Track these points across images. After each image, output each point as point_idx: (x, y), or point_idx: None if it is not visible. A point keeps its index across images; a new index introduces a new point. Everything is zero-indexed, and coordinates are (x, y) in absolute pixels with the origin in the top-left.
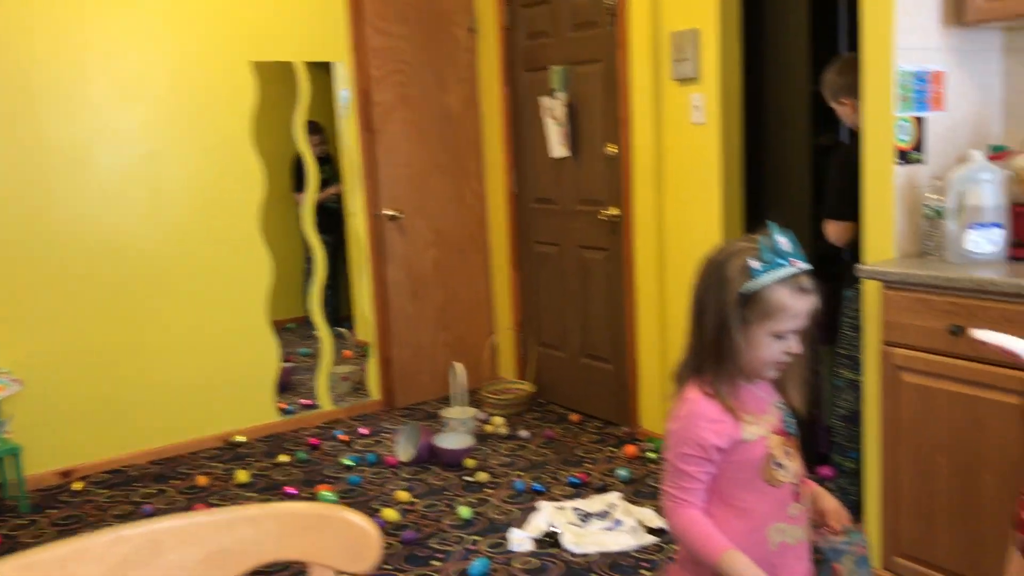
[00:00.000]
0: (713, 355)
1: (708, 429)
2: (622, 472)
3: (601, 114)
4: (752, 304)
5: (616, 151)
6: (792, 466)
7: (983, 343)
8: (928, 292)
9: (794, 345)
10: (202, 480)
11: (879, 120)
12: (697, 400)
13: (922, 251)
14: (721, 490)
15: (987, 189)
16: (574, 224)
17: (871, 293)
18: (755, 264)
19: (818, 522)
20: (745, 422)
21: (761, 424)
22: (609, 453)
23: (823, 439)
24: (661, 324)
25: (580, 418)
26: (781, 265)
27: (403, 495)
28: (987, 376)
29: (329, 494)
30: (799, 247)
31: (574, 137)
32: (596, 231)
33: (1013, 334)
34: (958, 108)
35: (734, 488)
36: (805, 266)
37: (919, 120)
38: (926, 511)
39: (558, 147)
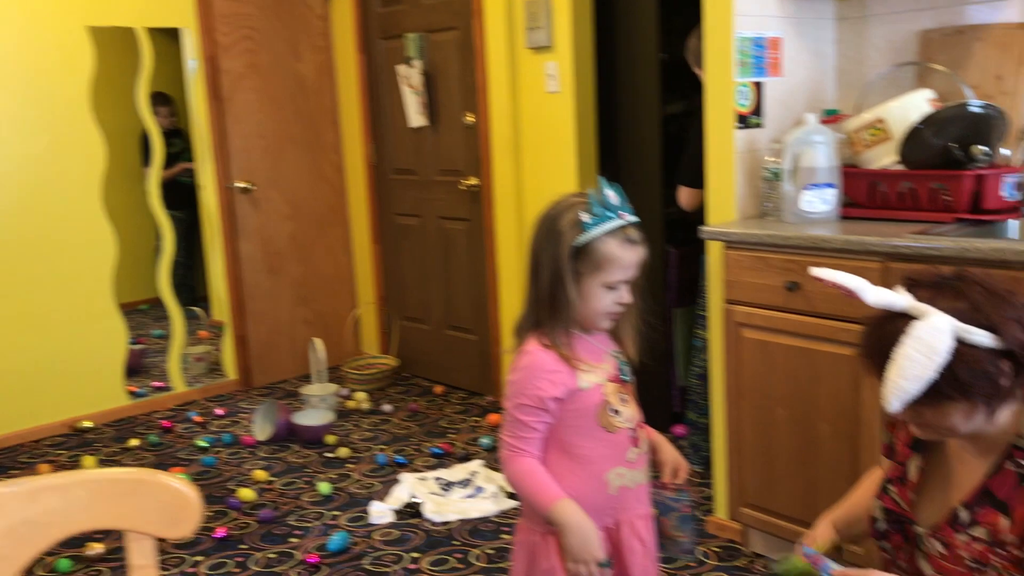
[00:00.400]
0: (549, 307)
1: (545, 380)
2: (485, 440)
3: (458, 83)
4: (584, 256)
5: (474, 120)
6: (628, 412)
7: (820, 280)
8: (766, 251)
9: (626, 295)
10: (44, 468)
11: (720, 85)
12: (535, 352)
13: (762, 212)
14: (560, 438)
15: (820, 151)
16: (435, 195)
17: (714, 253)
18: (585, 217)
19: (656, 473)
20: (581, 371)
21: (597, 373)
22: (473, 423)
23: (677, 399)
24: (522, 293)
25: (444, 390)
26: (610, 218)
27: (261, 474)
28: (822, 330)
29: (182, 476)
30: (627, 200)
31: (432, 106)
32: (457, 201)
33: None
34: (794, 73)
35: (573, 436)
36: (633, 219)
37: (758, 85)
38: (767, 462)
39: (416, 116)
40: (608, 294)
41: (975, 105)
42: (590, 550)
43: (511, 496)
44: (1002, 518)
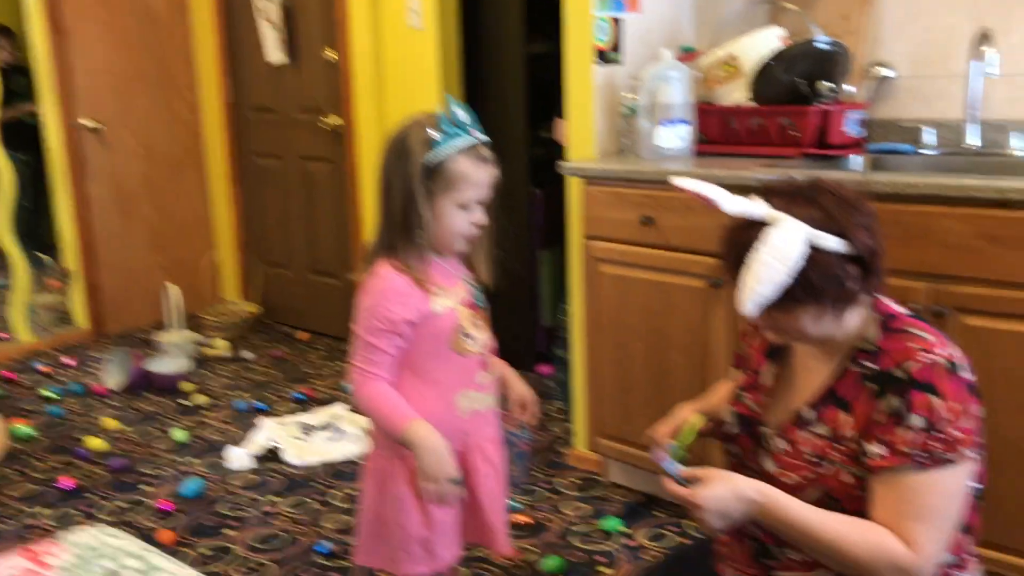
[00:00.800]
0: (402, 230)
1: (397, 303)
2: (350, 385)
3: (318, 17)
4: (436, 175)
5: (335, 57)
6: (480, 337)
7: (682, 189)
8: (623, 186)
9: (479, 216)
10: None
11: (579, 20)
12: (387, 275)
13: (620, 148)
14: (413, 362)
15: (675, 87)
16: (296, 134)
17: (574, 190)
18: (435, 135)
19: (505, 406)
20: (434, 295)
21: (451, 297)
22: (338, 368)
23: (542, 339)
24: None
25: (309, 336)
26: (460, 135)
27: (112, 423)
28: (675, 263)
29: (24, 427)
30: (477, 119)
31: (291, 41)
32: (319, 141)
33: (694, 222)
34: (652, 10)
35: (425, 359)
36: (483, 137)
37: (616, 21)
38: (624, 393)
39: (275, 52)
40: (461, 214)
41: (822, 42)
42: (444, 468)
43: None
44: (843, 415)
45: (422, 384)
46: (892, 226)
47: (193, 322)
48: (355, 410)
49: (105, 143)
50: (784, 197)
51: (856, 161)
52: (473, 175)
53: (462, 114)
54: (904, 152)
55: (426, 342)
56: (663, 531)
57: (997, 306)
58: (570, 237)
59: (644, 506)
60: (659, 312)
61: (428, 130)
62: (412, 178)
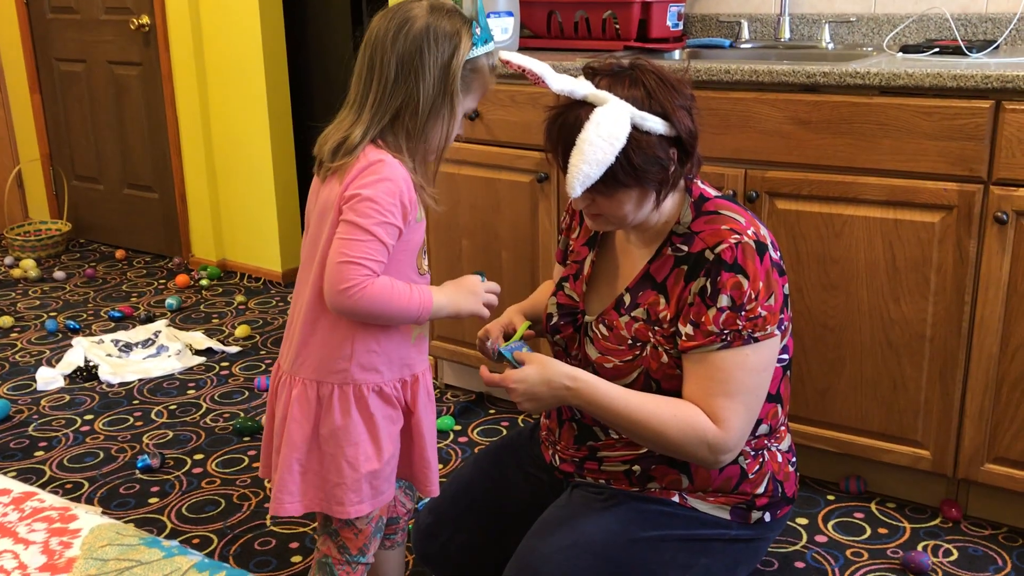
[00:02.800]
0: (413, 122)
1: (407, 197)
2: (171, 301)
3: None
4: (468, 75)
5: None
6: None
7: (508, 64)
8: None
9: (461, 129)
10: None
11: None
12: (393, 164)
13: None
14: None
15: None
16: (102, 36)
17: None
18: (477, 30)
19: None
20: (419, 200)
21: (421, 208)
22: (159, 286)
23: None
24: (207, 144)
25: (126, 254)
26: (487, 37)
27: None
28: (503, 158)
29: None
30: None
31: None
32: (127, 43)
33: (519, 116)
34: None
35: (395, 274)
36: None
37: None
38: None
39: None
40: (461, 123)
41: None
42: (477, 292)
43: (199, 353)
44: (660, 298)
45: None
46: (710, 115)
47: None
48: (176, 326)
49: None
50: (608, 77)
51: (676, 56)
52: (489, 84)
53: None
54: (722, 46)
55: (401, 253)
56: (496, 427)
57: (803, 188)
58: None
59: (476, 404)
60: (487, 209)
61: (461, 21)
62: (454, 68)
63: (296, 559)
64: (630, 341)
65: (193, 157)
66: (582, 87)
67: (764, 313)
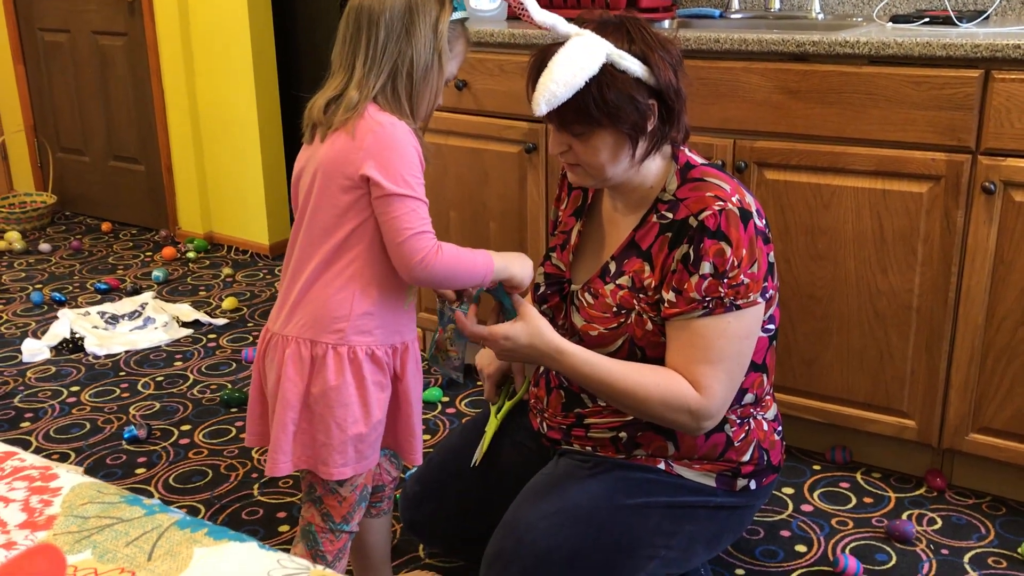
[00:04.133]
0: (411, 84)
1: (420, 155)
2: (158, 274)
3: None
4: (452, 37)
5: None
6: None
7: None
8: None
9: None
10: None
11: None
12: (400, 125)
13: None
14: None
15: None
16: (85, 6)
17: None
18: None
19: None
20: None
21: None
22: (145, 258)
23: None
24: (193, 115)
25: (112, 227)
26: (462, 8)
27: None
28: (491, 128)
29: None
30: None
31: None
32: (112, 13)
33: (508, 85)
34: None
35: None
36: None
37: None
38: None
39: None
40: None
41: None
42: (529, 268)
43: (185, 325)
44: (646, 266)
45: (389, 271)
46: (699, 84)
47: None
48: (163, 298)
49: None
50: (594, 24)
51: (666, 24)
52: (466, 51)
53: None
54: (712, 15)
55: None
56: (483, 399)
57: (792, 159)
58: None
59: (464, 375)
60: (475, 180)
61: None
62: (442, 31)
63: (283, 528)
64: (615, 309)
65: (179, 129)
66: (564, 24)
67: (747, 280)
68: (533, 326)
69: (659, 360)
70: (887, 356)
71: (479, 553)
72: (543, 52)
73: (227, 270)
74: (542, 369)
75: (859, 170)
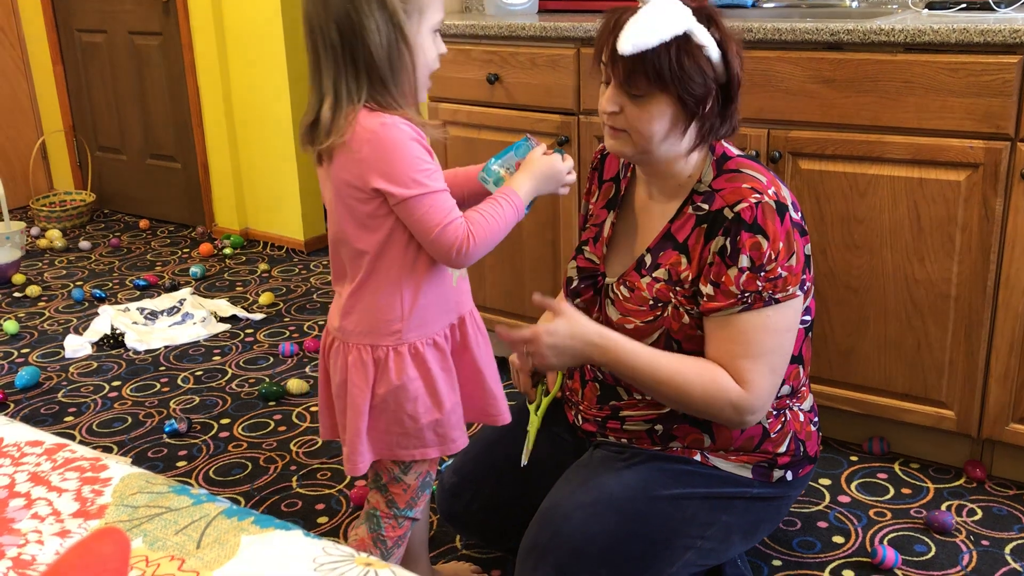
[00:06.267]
0: (388, 74)
1: (424, 142)
2: (195, 270)
3: None
4: None
5: None
6: None
7: None
8: (467, 43)
9: (443, 45)
10: None
11: None
12: (391, 123)
13: (463, 7)
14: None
15: None
16: (122, 7)
17: None
18: None
19: None
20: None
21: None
22: (183, 255)
23: None
24: (228, 113)
25: (150, 224)
26: None
27: None
28: (523, 123)
29: None
30: None
31: None
32: (147, 14)
33: (539, 79)
34: None
35: None
36: None
37: None
38: (478, 263)
39: None
40: (434, 43)
41: None
42: (557, 175)
43: (223, 320)
44: (682, 258)
45: (430, 260)
46: None
47: (23, 214)
48: (200, 294)
49: None
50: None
51: None
52: None
53: None
54: (744, 5)
55: None
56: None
57: (827, 148)
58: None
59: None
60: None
61: None
62: (394, 7)
63: (322, 520)
64: (651, 302)
65: (215, 126)
66: None
67: (784, 274)
68: (573, 320)
69: (695, 353)
70: (925, 346)
71: (516, 544)
72: (619, 10)
73: (263, 266)
74: None
75: (895, 159)
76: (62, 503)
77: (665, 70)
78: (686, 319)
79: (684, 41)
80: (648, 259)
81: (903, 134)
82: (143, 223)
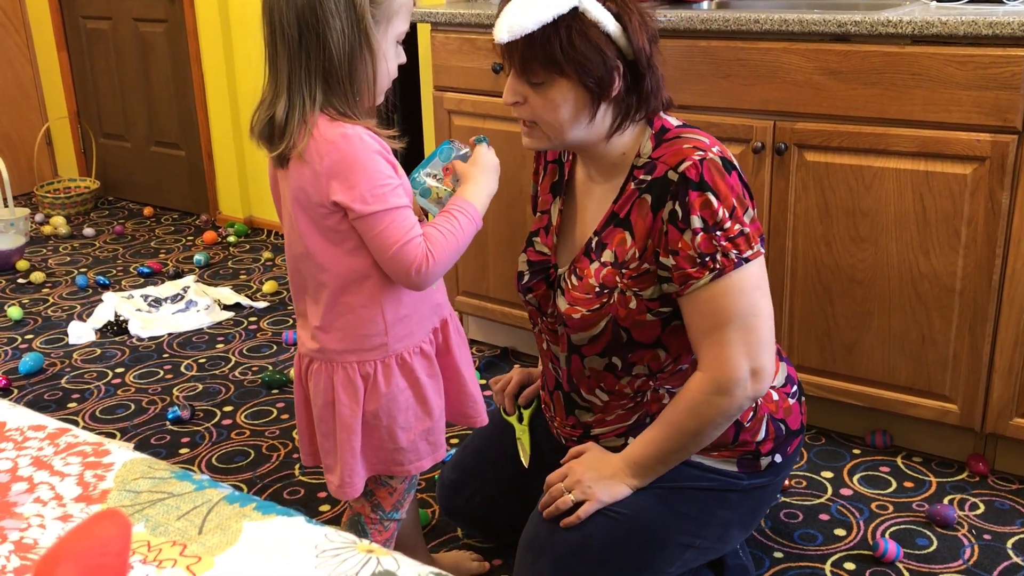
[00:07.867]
0: (348, 81)
1: (386, 155)
2: (199, 257)
3: None
4: (375, 4)
5: None
6: None
7: None
8: (472, 31)
9: (403, 55)
10: None
11: None
12: (353, 135)
13: None
14: None
15: None
16: None
17: (422, 39)
18: None
19: None
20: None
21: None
22: (187, 242)
23: None
24: (232, 101)
25: (154, 211)
26: None
27: None
28: None
29: None
30: None
31: None
32: (152, 0)
33: None
34: None
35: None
36: None
37: None
38: (480, 250)
39: None
40: (397, 52)
41: None
42: (495, 167)
43: (227, 308)
44: (626, 234)
45: None
46: (739, 65)
47: (28, 200)
48: (204, 282)
49: None
50: None
51: (705, 4)
52: (409, 2)
53: None
54: None
55: None
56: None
57: (833, 140)
58: (422, 91)
59: (501, 358)
60: (512, 165)
61: None
62: (363, 11)
63: (324, 508)
64: (597, 289)
65: (219, 114)
66: None
67: (747, 229)
68: (588, 445)
69: (646, 342)
70: (929, 340)
71: (516, 538)
72: None
73: (267, 254)
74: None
75: (901, 151)
76: (64, 487)
77: (557, 53)
78: (633, 304)
79: (574, 19)
80: (595, 241)
81: (910, 127)
82: (147, 210)
